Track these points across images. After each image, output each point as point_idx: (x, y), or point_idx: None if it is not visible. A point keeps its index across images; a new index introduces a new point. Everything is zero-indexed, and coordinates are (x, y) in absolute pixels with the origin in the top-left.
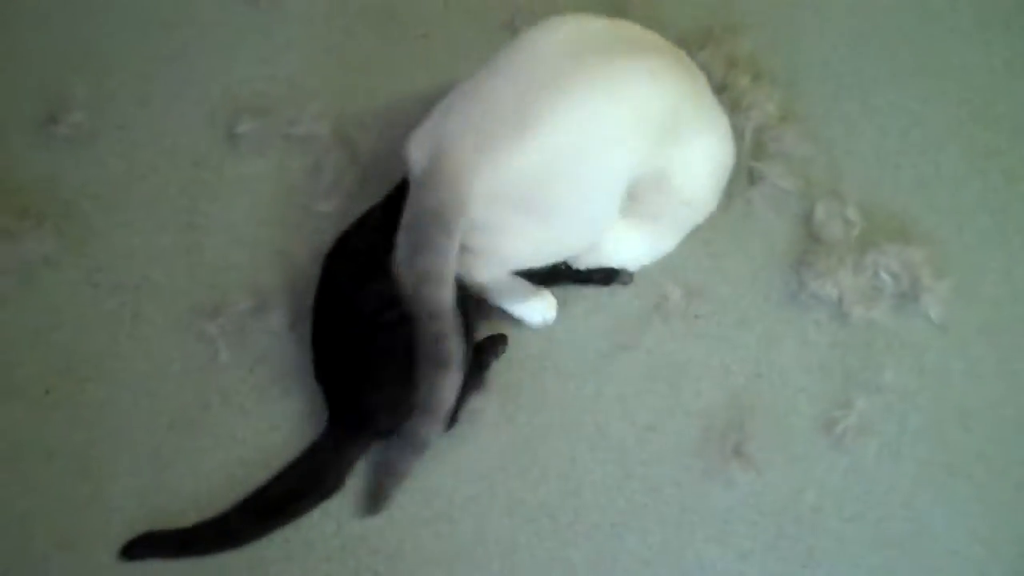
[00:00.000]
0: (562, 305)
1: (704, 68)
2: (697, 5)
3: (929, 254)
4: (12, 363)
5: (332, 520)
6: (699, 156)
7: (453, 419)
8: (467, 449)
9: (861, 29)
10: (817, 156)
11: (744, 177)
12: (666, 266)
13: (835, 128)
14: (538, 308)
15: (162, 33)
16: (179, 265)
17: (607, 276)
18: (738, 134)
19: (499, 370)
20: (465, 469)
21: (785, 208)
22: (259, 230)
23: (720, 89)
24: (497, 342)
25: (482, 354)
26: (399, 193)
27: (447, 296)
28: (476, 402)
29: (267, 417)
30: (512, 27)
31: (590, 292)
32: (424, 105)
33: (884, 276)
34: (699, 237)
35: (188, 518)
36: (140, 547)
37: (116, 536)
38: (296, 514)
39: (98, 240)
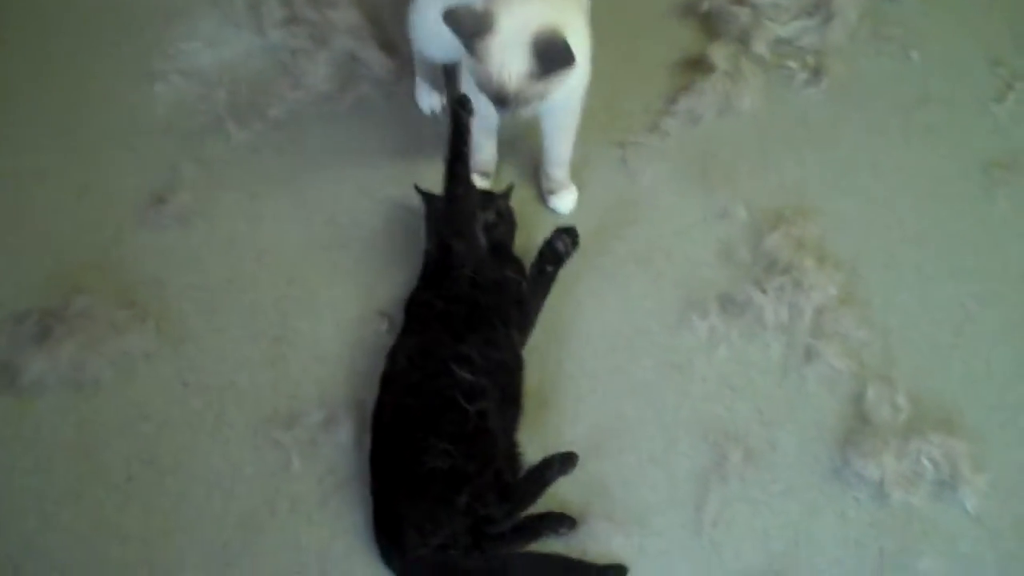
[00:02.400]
0: (618, 452)
1: (773, 248)
2: (774, 187)
3: (971, 447)
4: (100, 446)
5: None
6: None
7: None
8: None
9: (926, 226)
10: (873, 341)
11: (801, 353)
12: (723, 428)
13: (892, 316)
14: None
15: (276, 158)
16: (264, 374)
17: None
18: (798, 312)
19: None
20: None
21: (837, 387)
22: (340, 349)
23: (785, 269)
24: (567, 462)
25: (547, 470)
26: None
27: None
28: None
29: (331, 526)
30: None
31: (647, 447)
32: None
33: (926, 463)
34: (754, 405)
35: None
36: None
37: None
38: None
39: (194, 342)
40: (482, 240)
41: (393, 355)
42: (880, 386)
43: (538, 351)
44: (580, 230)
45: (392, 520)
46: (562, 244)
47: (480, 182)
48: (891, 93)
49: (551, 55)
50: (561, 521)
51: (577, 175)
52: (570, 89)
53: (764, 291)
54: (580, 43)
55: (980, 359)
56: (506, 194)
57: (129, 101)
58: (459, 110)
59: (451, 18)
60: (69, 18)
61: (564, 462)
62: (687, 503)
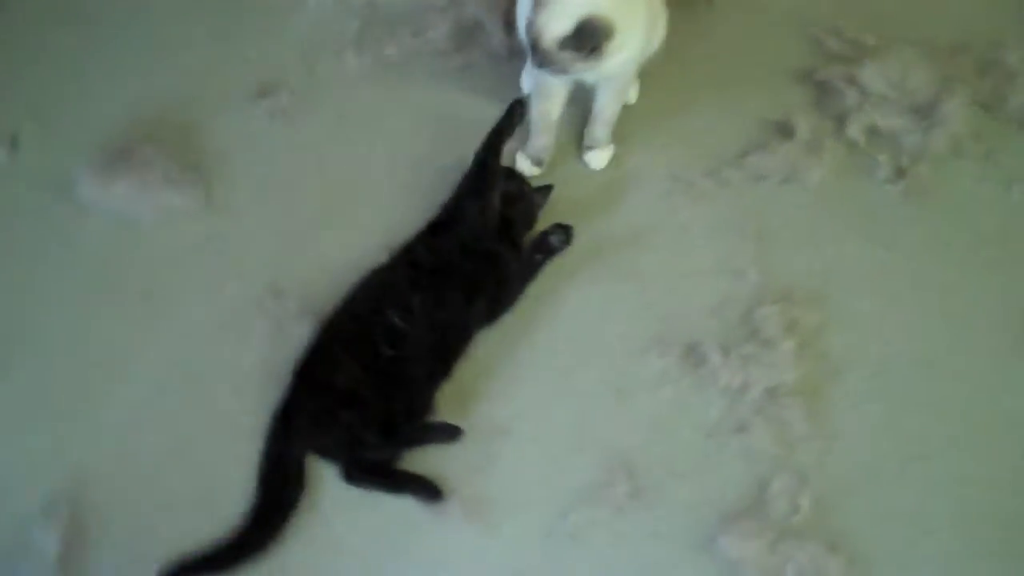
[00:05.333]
0: (524, 442)
1: (760, 320)
2: (801, 264)
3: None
4: (125, 270)
5: None
6: None
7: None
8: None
9: (933, 358)
10: (813, 439)
11: (734, 423)
12: (628, 460)
13: (850, 424)
14: None
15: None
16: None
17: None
18: (748, 386)
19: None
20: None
21: (753, 466)
22: (345, 264)
23: (764, 343)
24: (451, 434)
25: (430, 431)
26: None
27: None
28: None
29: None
30: None
31: (553, 448)
32: None
33: (789, 569)
34: (669, 453)
35: None
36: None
37: None
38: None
39: (235, 220)
40: (495, 208)
41: (360, 281)
42: (790, 481)
43: (502, 326)
44: (604, 236)
45: (289, 408)
46: (556, 239)
47: (532, 170)
48: (973, 218)
49: (586, 38)
50: (427, 490)
51: (622, 186)
52: (620, 64)
53: (728, 354)
54: (631, 30)
55: (908, 502)
56: (542, 188)
57: (280, 4)
58: (517, 104)
59: None
60: None
61: (449, 433)
62: (555, 508)
